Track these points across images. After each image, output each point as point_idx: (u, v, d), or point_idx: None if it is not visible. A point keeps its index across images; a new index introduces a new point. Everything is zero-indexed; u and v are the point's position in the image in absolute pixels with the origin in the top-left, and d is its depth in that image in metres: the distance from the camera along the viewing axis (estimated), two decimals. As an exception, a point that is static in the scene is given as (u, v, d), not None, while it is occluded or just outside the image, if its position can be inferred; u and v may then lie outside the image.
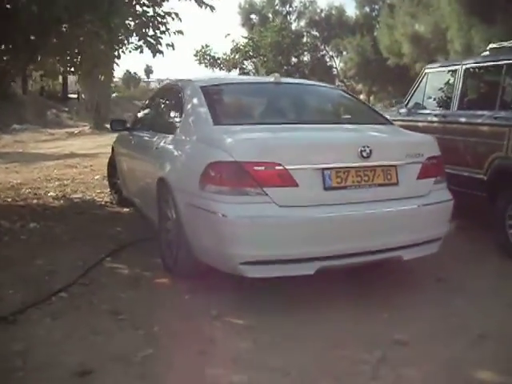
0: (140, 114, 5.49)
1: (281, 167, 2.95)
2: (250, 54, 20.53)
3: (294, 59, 25.44)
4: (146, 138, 4.66)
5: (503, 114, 4.38)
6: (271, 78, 4.31)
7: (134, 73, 47.78)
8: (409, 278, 3.78)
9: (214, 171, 3.02)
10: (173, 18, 6.54)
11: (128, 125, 5.46)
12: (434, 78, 5.71)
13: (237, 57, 20.64)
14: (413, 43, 13.20)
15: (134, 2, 6.26)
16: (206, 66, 20.95)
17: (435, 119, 5.22)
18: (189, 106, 3.83)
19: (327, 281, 3.25)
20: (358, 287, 3.40)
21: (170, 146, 3.82)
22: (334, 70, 27.75)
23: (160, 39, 6.81)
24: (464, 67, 4.99)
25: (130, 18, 6.28)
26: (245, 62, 21.08)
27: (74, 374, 2.40)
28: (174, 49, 6.89)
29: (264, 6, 24.24)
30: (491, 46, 5.06)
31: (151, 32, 6.70)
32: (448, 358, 2.61)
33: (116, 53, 6.94)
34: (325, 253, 3.03)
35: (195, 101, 3.80)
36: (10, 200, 6.54)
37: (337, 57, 27.02)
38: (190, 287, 3.49)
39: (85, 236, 4.82)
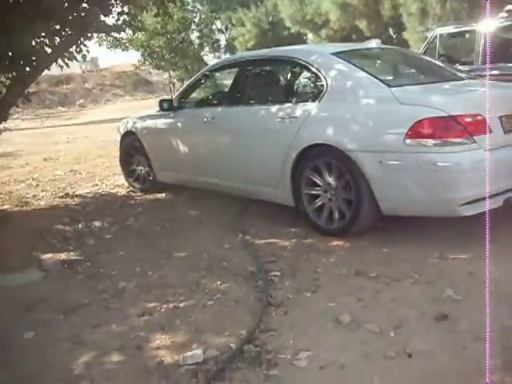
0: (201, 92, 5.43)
1: (481, 117, 3.41)
2: (157, 31, 20.00)
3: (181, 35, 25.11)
4: (247, 112, 4.60)
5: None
6: (373, 44, 4.69)
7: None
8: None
9: (427, 127, 3.37)
10: None
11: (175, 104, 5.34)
12: (446, 39, 6.50)
13: (141, 36, 19.98)
14: (341, 9, 14.10)
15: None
16: (109, 48, 20.01)
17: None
18: (332, 73, 3.99)
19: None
20: None
21: (325, 113, 3.92)
22: (221, 43, 28.07)
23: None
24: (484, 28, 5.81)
25: None
26: (151, 42, 20.46)
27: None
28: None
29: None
30: (508, 7, 5.91)
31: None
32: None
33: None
34: (509, 186, 3.59)
35: (340, 67, 4.00)
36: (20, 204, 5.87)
37: (226, 30, 27.35)
38: (382, 241, 3.76)
39: (172, 222, 4.83)
